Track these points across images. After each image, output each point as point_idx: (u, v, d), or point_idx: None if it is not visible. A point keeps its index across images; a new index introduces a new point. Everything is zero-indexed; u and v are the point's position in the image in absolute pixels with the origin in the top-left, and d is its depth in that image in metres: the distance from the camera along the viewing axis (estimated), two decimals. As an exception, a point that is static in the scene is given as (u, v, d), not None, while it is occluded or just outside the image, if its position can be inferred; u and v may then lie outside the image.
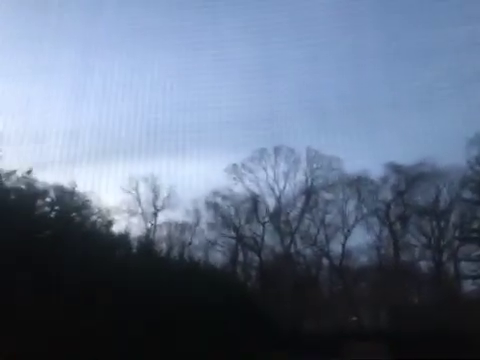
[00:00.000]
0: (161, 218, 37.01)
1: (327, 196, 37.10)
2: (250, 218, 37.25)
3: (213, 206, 37.33)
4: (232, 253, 37.12)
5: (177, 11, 36.95)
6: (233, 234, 37.31)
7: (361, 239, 35.21)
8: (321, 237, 36.29)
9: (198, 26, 36.23)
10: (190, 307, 14.51)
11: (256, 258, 37.39)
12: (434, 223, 35.27)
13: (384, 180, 36.21)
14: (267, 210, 37.47)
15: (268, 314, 24.60)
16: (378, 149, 34.82)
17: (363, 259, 36.43)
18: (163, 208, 36.97)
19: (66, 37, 36.31)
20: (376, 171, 35.47)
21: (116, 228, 19.30)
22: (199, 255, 33.22)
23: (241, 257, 37.80)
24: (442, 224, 35.11)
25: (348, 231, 36.00)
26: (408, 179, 35.74)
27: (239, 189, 37.20)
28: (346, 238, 35.81)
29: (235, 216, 37.30)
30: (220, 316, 15.98)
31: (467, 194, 33.20)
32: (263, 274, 36.31)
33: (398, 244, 35.68)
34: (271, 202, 37.29)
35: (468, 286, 32.84)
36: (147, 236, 27.85)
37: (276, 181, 37.34)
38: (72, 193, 17.34)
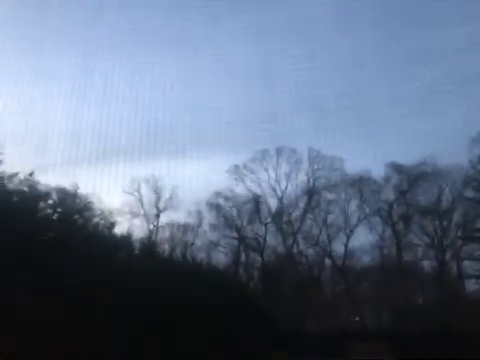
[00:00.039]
0: (163, 219, 37.23)
1: (329, 196, 37.19)
2: (252, 219, 37.34)
3: (215, 207, 37.47)
4: (234, 254, 37.21)
5: (177, 11, 37.11)
6: (235, 235, 37.42)
7: (364, 239, 35.26)
8: (323, 237, 36.36)
9: (198, 26, 36.39)
10: (190, 307, 14.62)
11: (258, 259, 37.47)
12: (437, 222, 35.21)
13: (386, 180, 36.24)
14: (269, 211, 37.58)
15: (269, 314, 24.65)
16: (380, 149, 34.81)
17: (366, 259, 36.47)
18: (165, 209, 37.16)
19: (66, 38, 36.51)
20: (378, 171, 35.56)
21: (118, 230, 19.38)
22: (201, 256, 33.39)
23: (243, 258, 37.92)
24: (445, 223, 35.03)
25: (350, 231, 36.03)
26: (410, 178, 35.71)
27: (241, 190, 37.38)
28: (348, 238, 35.85)
29: (237, 217, 37.42)
30: (220, 316, 16.07)
31: (470, 193, 33.15)
32: (265, 274, 36.37)
33: (401, 244, 35.64)
34: (273, 203, 37.44)
35: (471, 285, 32.80)
36: (149, 237, 27.97)
37: (278, 181, 37.46)
38: (74, 195, 17.45)
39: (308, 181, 37.49)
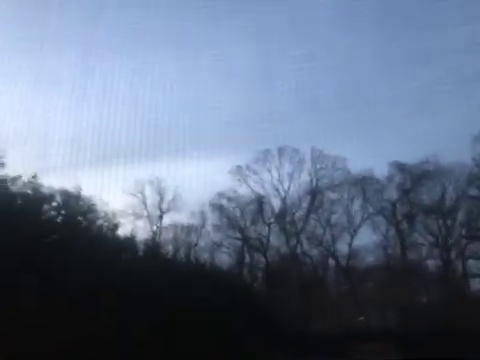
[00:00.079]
0: (167, 220, 37.19)
1: (332, 196, 37.06)
2: (255, 219, 37.30)
3: (218, 208, 37.44)
4: (238, 254, 37.17)
5: (177, 11, 37.10)
6: (239, 235, 37.38)
7: (367, 239, 35.08)
8: (327, 237, 36.24)
9: (198, 26, 36.37)
10: (194, 308, 14.62)
11: (262, 259, 37.40)
12: (441, 221, 35.00)
13: (389, 179, 36.08)
14: (272, 211, 37.50)
15: (273, 315, 24.62)
16: (382, 148, 34.71)
17: (370, 259, 36.25)
18: (168, 210, 37.16)
19: (66, 38, 36.46)
20: (381, 170, 35.36)
21: (122, 231, 19.42)
22: (205, 257, 33.39)
23: (247, 258, 37.83)
24: (449, 222, 34.84)
25: (354, 231, 35.90)
26: (413, 177, 35.55)
27: (244, 190, 37.32)
28: (352, 238, 35.72)
29: (240, 217, 37.38)
30: (224, 317, 16.06)
31: (473, 191, 33.03)
32: (269, 275, 36.32)
33: (405, 243, 35.47)
34: (276, 203, 37.34)
35: (476, 284, 32.70)
36: (153, 239, 28.08)
37: (281, 182, 37.38)
38: (78, 197, 17.46)
39: (311, 181, 37.43)
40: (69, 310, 10.07)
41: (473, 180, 32.62)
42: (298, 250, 36.38)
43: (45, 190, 15.36)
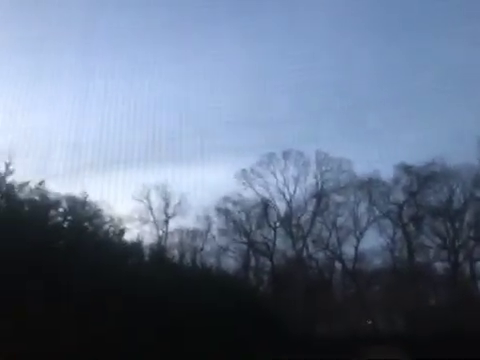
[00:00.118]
0: (172, 225, 37.37)
1: (338, 199, 37.01)
2: (261, 223, 37.31)
3: (224, 212, 37.53)
4: (244, 258, 37.19)
5: (177, 11, 37.30)
6: (244, 239, 37.41)
7: (374, 241, 34.96)
8: (333, 240, 36.17)
9: (198, 26, 36.46)
10: (200, 313, 14.67)
11: (268, 263, 37.38)
12: (448, 223, 34.79)
13: (395, 181, 35.96)
14: (278, 214, 37.52)
15: (279, 318, 24.59)
16: (388, 150, 34.61)
17: (377, 262, 36.10)
18: (174, 215, 37.33)
19: (66, 38, 36.70)
20: (387, 172, 35.29)
21: (128, 236, 19.49)
22: (211, 261, 33.41)
23: (253, 262, 37.84)
24: (456, 224, 34.61)
25: (360, 234, 35.78)
26: (420, 179, 35.40)
27: (249, 194, 37.40)
28: (359, 241, 35.61)
29: (246, 221, 37.42)
30: (230, 321, 16.09)
31: (481, 193, 32.78)
32: (275, 279, 36.27)
33: (412, 246, 35.27)
34: (282, 206, 37.37)
35: (484, 287, 32.32)
36: (159, 243, 28.19)
37: (286, 185, 37.41)
38: (84, 203, 17.60)
39: (316, 184, 37.41)
40: (75, 315, 10.18)
41: (480, 181, 32.41)
42: (304, 253, 36.32)
43: (52, 196, 15.50)
